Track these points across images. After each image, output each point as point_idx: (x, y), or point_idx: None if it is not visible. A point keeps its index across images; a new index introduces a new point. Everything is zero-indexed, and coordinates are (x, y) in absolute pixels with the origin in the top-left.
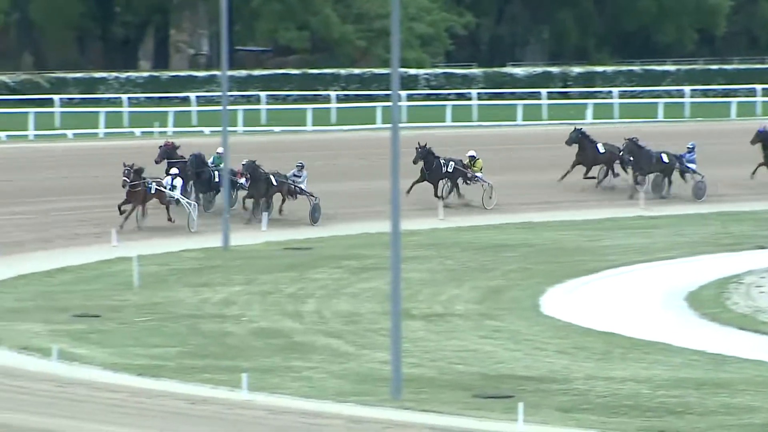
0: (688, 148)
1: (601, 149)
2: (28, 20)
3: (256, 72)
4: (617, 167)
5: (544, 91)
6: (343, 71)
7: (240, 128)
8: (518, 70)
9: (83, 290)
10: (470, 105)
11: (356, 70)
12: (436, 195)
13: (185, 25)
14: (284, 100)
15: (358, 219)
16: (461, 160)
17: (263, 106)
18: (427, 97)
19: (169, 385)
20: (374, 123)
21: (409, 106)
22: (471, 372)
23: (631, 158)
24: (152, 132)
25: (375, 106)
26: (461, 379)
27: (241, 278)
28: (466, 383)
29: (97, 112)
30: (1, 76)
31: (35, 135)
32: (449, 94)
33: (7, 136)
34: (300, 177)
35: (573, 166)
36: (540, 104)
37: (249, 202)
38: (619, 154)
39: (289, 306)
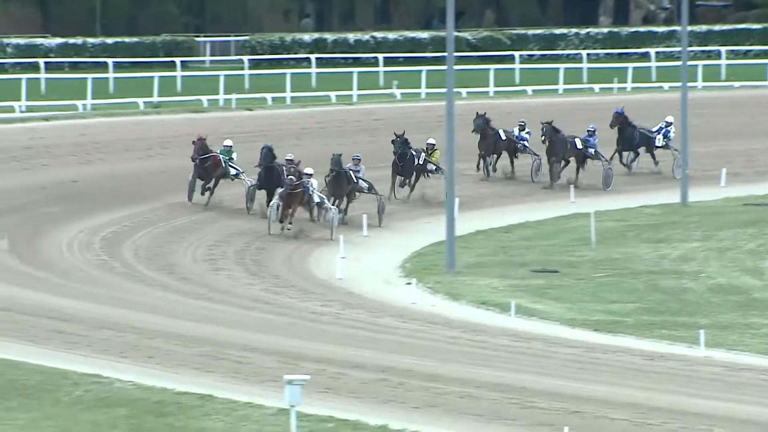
0: (589, 131)
1: (503, 136)
2: None
3: (717, 27)
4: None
5: None
6: None
7: (699, 84)
8: None
9: (541, 246)
10: None
11: None
12: (395, 192)
13: None
14: (744, 55)
15: None
16: (422, 150)
17: (723, 62)
18: None
19: (626, 341)
20: None
21: None
22: None
23: (518, 144)
24: (611, 88)
25: None
26: None
27: (699, 234)
28: None
29: (557, 68)
30: (463, 33)
31: (495, 91)
32: None
33: (468, 92)
34: (359, 171)
35: (481, 156)
36: None
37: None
38: (514, 140)
39: (748, 262)
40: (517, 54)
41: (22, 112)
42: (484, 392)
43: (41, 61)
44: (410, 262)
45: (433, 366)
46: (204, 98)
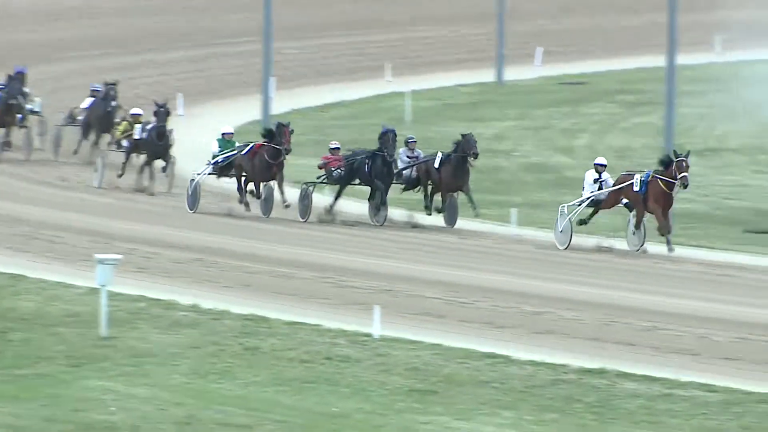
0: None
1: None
2: None
3: None
4: None
5: None
6: None
7: None
8: None
9: (356, 125)
10: None
11: None
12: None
13: None
14: None
15: (634, 53)
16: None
17: None
18: None
19: (440, 219)
20: None
21: None
22: (743, 207)
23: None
24: None
25: None
26: (733, 215)
27: (514, 113)
28: (738, 219)
29: None
30: None
31: None
32: None
33: None
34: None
35: None
36: None
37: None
38: None
39: (562, 141)
40: None
41: None
42: (299, 271)
43: None
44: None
45: (248, 246)
46: None
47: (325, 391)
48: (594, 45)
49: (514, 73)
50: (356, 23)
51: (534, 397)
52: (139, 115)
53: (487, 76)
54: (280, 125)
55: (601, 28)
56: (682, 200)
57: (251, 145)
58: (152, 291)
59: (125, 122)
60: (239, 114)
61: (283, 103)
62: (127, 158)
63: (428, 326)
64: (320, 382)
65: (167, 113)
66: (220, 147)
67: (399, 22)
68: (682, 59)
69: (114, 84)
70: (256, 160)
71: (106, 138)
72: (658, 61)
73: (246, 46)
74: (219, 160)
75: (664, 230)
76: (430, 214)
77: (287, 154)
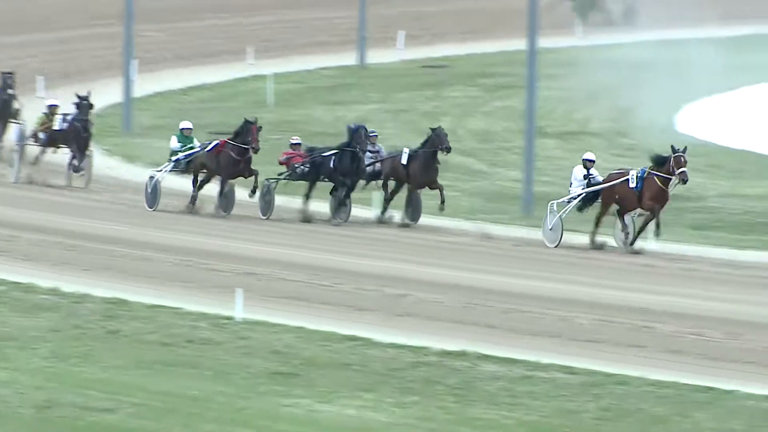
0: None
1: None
2: None
3: None
4: None
5: None
6: None
7: None
8: None
9: (218, 107)
10: None
11: None
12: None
13: None
14: None
15: (496, 36)
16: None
17: None
18: None
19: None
20: None
21: None
22: None
23: None
24: None
25: None
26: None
27: (376, 96)
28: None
29: None
30: None
31: None
32: None
33: None
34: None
35: None
36: None
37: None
38: None
39: (424, 124)
40: None
41: None
42: (160, 255)
43: None
44: None
45: (109, 229)
46: None
47: (187, 374)
48: (456, 29)
49: (376, 57)
50: (218, 6)
51: (395, 379)
52: (56, 106)
53: (349, 59)
54: (247, 123)
55: (462, 12)
56: (541, 183)
57: (216, 142)
58: (11, 274)
59: (42, 114)
60: (101, 97)
61: (145, 87)
62: (43, 151)
63: (291, 309)
64: (182, 365)
65: (90, 106)
66: (180, 143)
67: (261, 5)
68: (543, 43)
69: (11, 73)
70: (222, 158)
71: (9, 129)
72: (520, 44)
73: (107, 29)
74: (180, 158)
75: (657, 229)
76: (384, 212)
77: (255, 153)
